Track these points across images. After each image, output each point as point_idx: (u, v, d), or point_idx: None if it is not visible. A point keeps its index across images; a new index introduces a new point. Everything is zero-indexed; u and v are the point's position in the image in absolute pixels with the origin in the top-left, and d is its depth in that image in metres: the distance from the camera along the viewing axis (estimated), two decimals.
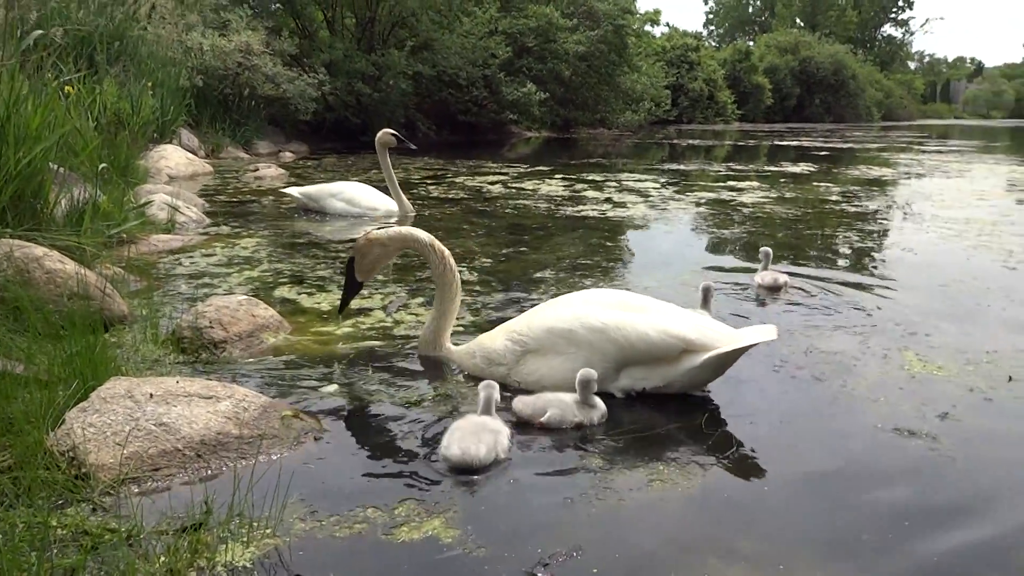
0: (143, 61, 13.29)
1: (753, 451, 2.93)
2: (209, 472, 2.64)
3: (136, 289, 4.89)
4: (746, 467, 2.81)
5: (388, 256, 3.95)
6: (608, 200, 10.12)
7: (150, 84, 12.36)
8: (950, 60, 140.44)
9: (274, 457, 2.77)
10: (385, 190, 8.60)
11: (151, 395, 2.85)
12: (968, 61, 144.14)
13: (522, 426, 3.02)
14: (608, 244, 7.19)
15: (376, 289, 5.16)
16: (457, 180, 12.10)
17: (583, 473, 2.70)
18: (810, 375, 3.72)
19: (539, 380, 3.38)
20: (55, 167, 5.44)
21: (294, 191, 8.55)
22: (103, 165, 5.67)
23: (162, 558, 2.14)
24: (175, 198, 7.77)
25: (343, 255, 6.30)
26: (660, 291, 5.29)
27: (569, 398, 3.10)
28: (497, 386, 3.00)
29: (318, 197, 8.37)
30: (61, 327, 3.83)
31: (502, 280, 5.60)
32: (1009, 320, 4.78)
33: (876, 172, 15.62)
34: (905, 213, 9.58)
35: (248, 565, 2.14)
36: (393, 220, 8.12)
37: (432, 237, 3.83)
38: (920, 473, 2.80)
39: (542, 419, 2.99)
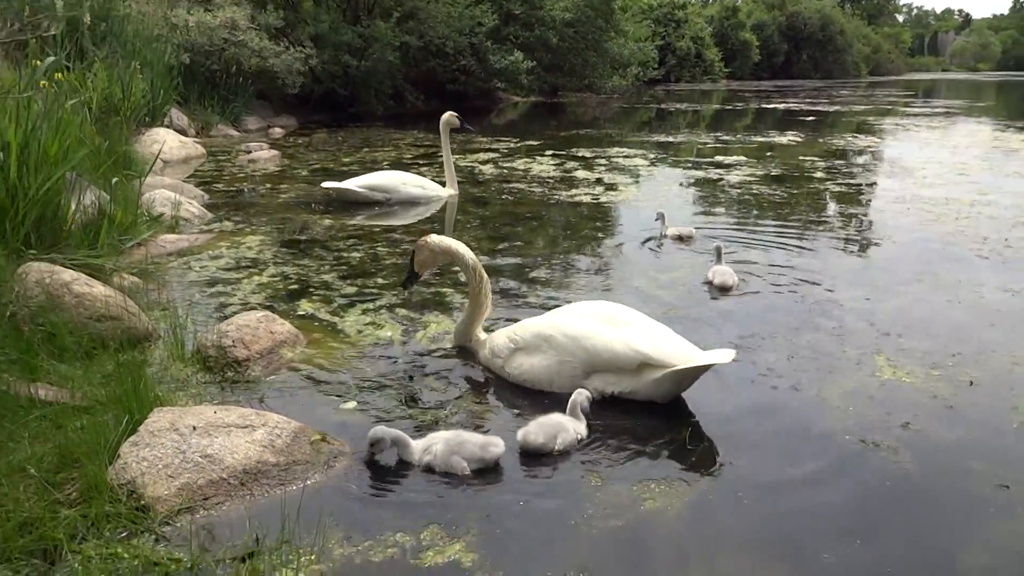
0: (129, 40, 13.30)
1: (733, 468, 3.27)
2: (252, 499, 2.96)
3: (154, 299, 5.16)
4: (727, 485, 3.15)
5: (435, 262, 4.57)
6: (599, 182, 10.36)
7: (139, 65, 12.40)
8: (938, 12, 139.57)
9: (308, 482, 3.08)
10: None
11: (194, 427, 3.16)
12: (956, 13, 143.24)
13: (530, 456, 3.33)
14: (600, 236, 7.48)
15: (386, 305, 5.43)
16: None
17: (583, 495, 3.04)
18: (790, 385, 4.06)
19: (523, 373, 4.01)
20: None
21: (352, 185, 8.58)
22: (115, 179, 5.87)
23: None
24: (176, 193, 7.99)
25: (343, 254, 6.56)
26: (648, 291, 5.61)
27: (566, 420, 3.42)
28: (586, 393, 3.53)
29: (390, 188, 8.63)
30: (92, 348, 4.13)
31: (497, 279, 5.89)
32: (975, 317, 5.13)
33: (861, 142, 15.88)
34: (887, 193, 9.88)
35: None
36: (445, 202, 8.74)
37: (474, 258, 4.38)
38: (881, 490, 3.14)
39: (557, 447, 3.31)
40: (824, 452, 3.42)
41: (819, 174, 11.34)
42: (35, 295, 4.18)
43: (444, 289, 5.65)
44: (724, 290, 5.65)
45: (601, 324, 3.89)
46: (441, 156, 9.22)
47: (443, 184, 9.13)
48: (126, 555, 2.60)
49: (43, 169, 4.70)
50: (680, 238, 7.10)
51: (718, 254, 6.03)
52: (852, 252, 6.90)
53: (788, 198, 9.41)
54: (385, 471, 3.22)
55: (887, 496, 3.10)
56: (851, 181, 10.79)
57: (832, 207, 9.05)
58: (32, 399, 3.42)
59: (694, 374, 3.74)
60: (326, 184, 8.74)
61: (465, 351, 4.47)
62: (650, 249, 6.91)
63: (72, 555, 2.58)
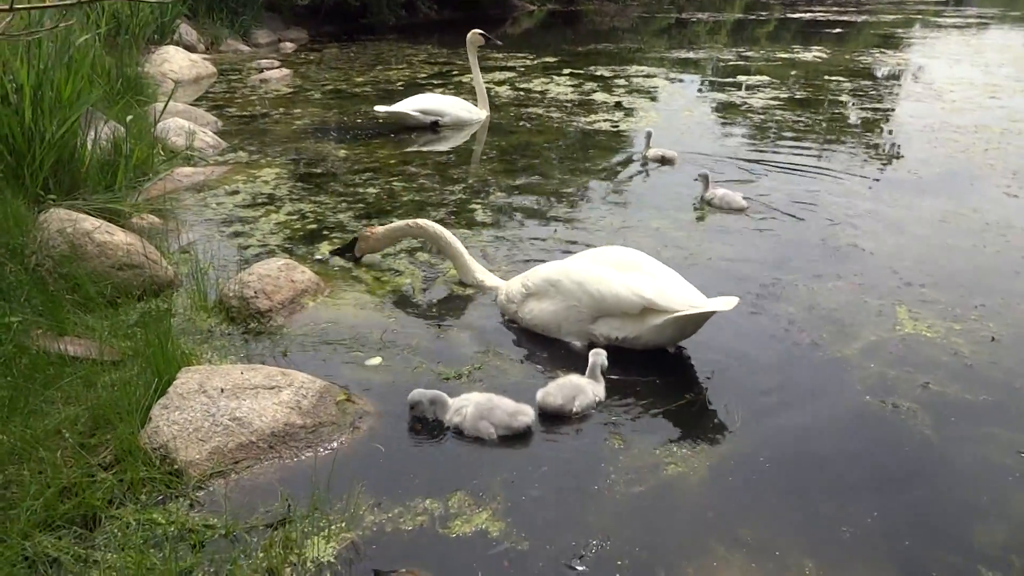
0: None
1: (754, 430, 3.31)
2: (281, 463, 3.03)
3: (174, 241, 5.16)
4: (748, 447, 3.19)
5: (379, 247, 4.96)
6: (618, 106, 10.12)
7: None
8: None
9: (335, 444, 3.15)
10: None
11: (222, 389, 3.21)
12: None
13: (549, 418, 3.37)
14: (619, 169, 7.35)
15: (405, 248, 5.42)
16: (464, 80, 12.00)
17: (606, 459, 3.09)
18: (810, 340, 4.05)
19: (534, 318, 4.09)
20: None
21: (407, 108, 8.66)
22: (130, 117, 5.77)
23: (260, 554, 2.55)
24: (189, 121, 7.88)
25: (359, 189, 6.50)
26: (668, 233, 5.56)
27: (583, 381, 3.45)
28: (604, 354, 3.54)
29: (441, 111, 8.78)
30: (116, 297, 4.17)
31: (516, 219, 5.84)
32: (1001, 265, 5.07)
33: (889, 59, 15.35)
34: (915, 120, 9.60)
35: (331, 560, 2.56)
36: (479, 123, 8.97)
37: (415, 223, 4.74)
38: (899, 455, 3.17)
39: (575, 409, 3.35)
40: (845, 414, 3.44)
41: (844, 97, 11.02)
42: (57, 244, 4.19)
43: (463, 231, 5.60)
44: (731, 210, 5.94)
45: (610, 269, 3.92)
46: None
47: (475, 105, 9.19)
48: (162, 521, 2.68)
49: (58, 112, 4.63)
50: (663, 160, 7.32)
51: (706, 182, 6.16)
52: (877, 189, 6.76)
53: (812, 125, 9.18)
54: (409, 432, 3.28)
55: (906, 462, 3.13)
56: (878, 106, 10.49)
57: (857, 136, 8.82)
58: (62, 356, 3.47)
59: (697, 320, 3.75)
60: (378, 108, 8.69)
61: (485, 295, 4.53)
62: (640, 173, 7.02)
63: (110, 521, 2.67)
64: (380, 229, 4.86)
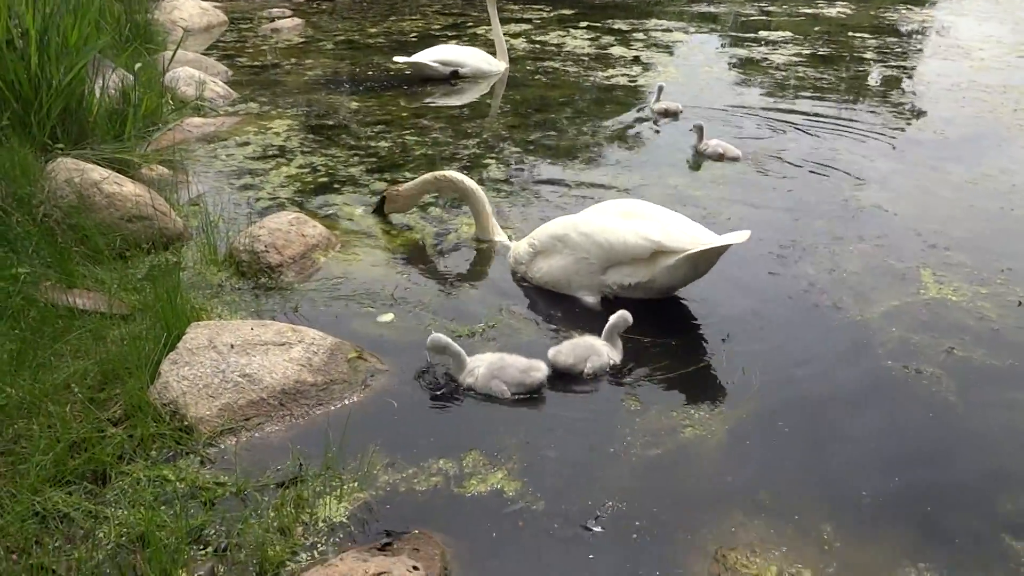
0: None
1: (772, 393, 3.24)
2: (292, 420, 2.99)
3: (184, 193, 5.09)
4: (766, 411, 3.13)
5: (402, 203, 4.79)
6: (636, 61, 9.88)
7: None
8: None
9: (347, 402, 3.11)
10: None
11: (231, 345, 3.16)
12: None
13: (562, 377, 3.31)
14: (636, 125, 7.18)
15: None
16: (479, 32, 11.74)
17: (622, 421, 3.03)
18: (831, 302, 3.96)
19: (544, 275, 4.03)
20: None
21: (427, 59, 8.50)
22: (138, 65, 5.65)
23: (271, 513, 2.52)
24: (200, 70, 7.75)
25: (370, 143, 6.38)
26: (685, 191, 5.43)
27: (599, 343, 3.37)
28: (623, 315, 3.40)
29: (462, 61, 8.62)
30: (125, 250, 4.11)
31: (530, 175, 5.73)
32: None
33: (915, 16, 14.90)
34: (941, 78, 9.33)
35: (344, 520, 2.53)
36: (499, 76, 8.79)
37: (447, 175, 4.57)
38: (922, 422, 3.11)
39: (586, 371, 3.28)
40: (866, 379, 3.37)
41: (868, 54, 10.71)
42: (65, 195, 4.12)
43: None
44: (723, 159, 6.03)
45: (616, 218, 3.89)
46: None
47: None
48: (172, 477, 2.66)
49: (65, 58, 4.52)
50: (666, 112, 7.26)
51: (700, 133, 6.21)
52: (902, 148, 6.57)
53: (835, 83, 8.94)
54: (422, 390, 3.23)
55: (929, 429, 3.07)
56: (903, 64, 10.20)
57: (881, 94, 8.59)
58: (71, 309, 3.43)
59: (709, 257, 3.70)
60: (398, 59, 8.52)
61: (498, 251, 4.46)
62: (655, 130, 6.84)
63: (120, 477, 2.64)
64: (406, 185, 4.70)
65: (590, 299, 3.91)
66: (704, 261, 3.72)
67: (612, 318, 3.41)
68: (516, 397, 3.15)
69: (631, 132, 6.96)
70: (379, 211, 4.84)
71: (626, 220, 3.85)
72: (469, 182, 4.55)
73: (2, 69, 4.34)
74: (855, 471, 2.82)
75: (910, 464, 2.86)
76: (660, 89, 7.48)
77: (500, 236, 4.56)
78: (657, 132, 6.94)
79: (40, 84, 4.44)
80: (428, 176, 4.65)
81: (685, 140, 6.65)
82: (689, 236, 3.67)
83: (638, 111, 7.51)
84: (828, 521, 2.58)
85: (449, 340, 3.21)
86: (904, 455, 2.92)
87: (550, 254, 4.00)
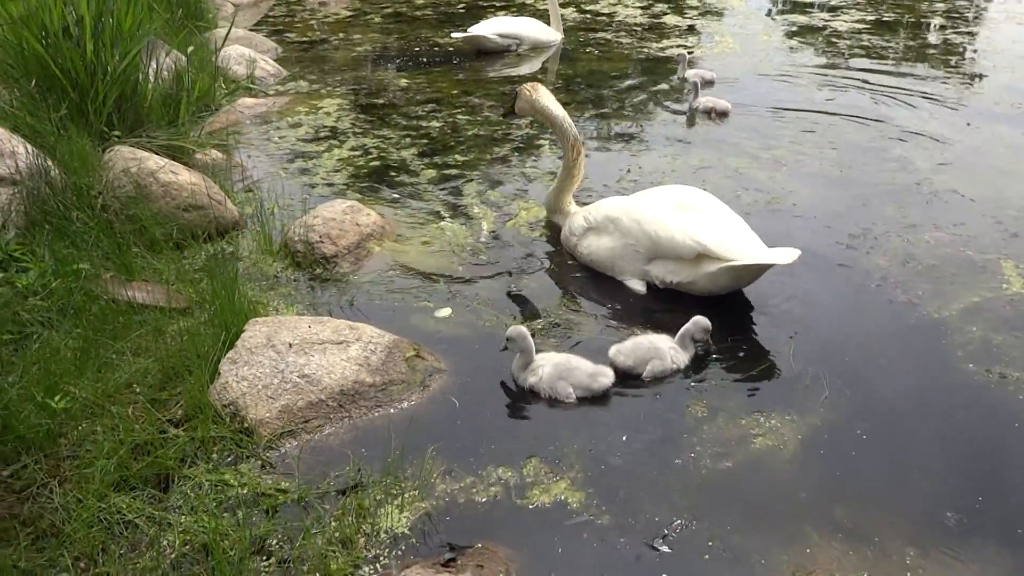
0: None
1: (846, 400, 3.09)
2: (351, 422, 2.95)
3: (238, 179, 5.07)
4: (840, 419, 2.99)
5: (533, 113, 4.45)
6: (691, 30, 9.56)
7: None
8: None
9: (406, 404, 3.05)
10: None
11: (290, 345, 3.12)
12: None
13: (625, 378, 3.20)
14: (720, 113, 6.93)
15: (472, 190, 5.23)
16: (528, 2, 11.48)
17: (689, 429, 2.93)
18: (906, 298, 3.77)
19: (591, 254, 4.01)
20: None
21: (486, 31, 8.36)
22: (191, 48, 5.62)
23: (333, 523, 2.49)
24: (250, 49, 7.72)
25: (422, 123, 6.28)
26: (748, 173, 5.23)
27: (664, 343, 3.25)
28: (701, 322, 3.27)
29: (520, 34, 8.49)
30: (182, 239, 4.10)
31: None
32: None
33: None
34: (1017, 46, 8.84)
35: (406, 531, 2.48)
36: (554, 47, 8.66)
37: (571, 123, 4.32)
38: (1007, 430, 2.93)
39: (645, 375, 3.17)
40: (946, 384, 3.20)
41: (937, 20, 10.21)
42: (123, 185, 4.12)
43: (529, 169, 5.38)
44: (719, 115, 6.26)
45: (671, 210, 3.79)
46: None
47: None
48: (234, 482, 2.64)
49: (119, 44, 4.50)
50: (704, 83, 6.84)
51: (683, 63, 7.05)
52: (977, 124, 6.21)
53: (902, 52, 8.53)
54: (482, 391, 3.17)
55: (1014, 440, 2.90)
56: (974, 31, 9.68)
57: (952, 64, 8.17)
58: (131, 304, 3.43)
59: (754, 271, 3.59)
60: (456, 35, 8.40)
61: (558, 240, 4.33)
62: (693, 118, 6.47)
63: (183, 481, 2.63)
64: (543, 103, 4.31)
65: (637, 286, 3.84)
66: (748, 275, 3.63)
67: (689, 323, 3.28)
68: (579, 401, 3.06)
69: (676, 112, 6.72)
70: (510, 112, 4.57)
71: (680, 213, 3.76)
72: (580, 142, 4.38)
73: (59, 58, 4.33)
74: (937, 488, 2.68)
75: (996, 480, 2.71)
76: (684, 59, 7.32)
77: (571, 207, 4.43)
78: (695, 110, 6.64)
79: (96, 71, 4.43)
80: (559, 114, 4.30)
81: (735, 116, 6.40)
82: (738, 246, 3.56)
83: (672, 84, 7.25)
84: (911, 544, 2.45)
85: (527, 334, 3.14)
86: (989, 470, 2.76)
87: (601, 233, 3.97)
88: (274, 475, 2.69)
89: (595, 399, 3.08)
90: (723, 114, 6.33)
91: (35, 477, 2.56)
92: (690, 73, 7.05)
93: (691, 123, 6.12)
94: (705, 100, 6.36)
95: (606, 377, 3.07)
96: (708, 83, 7.04)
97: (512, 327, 3.19)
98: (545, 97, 4.35)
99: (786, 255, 3.44)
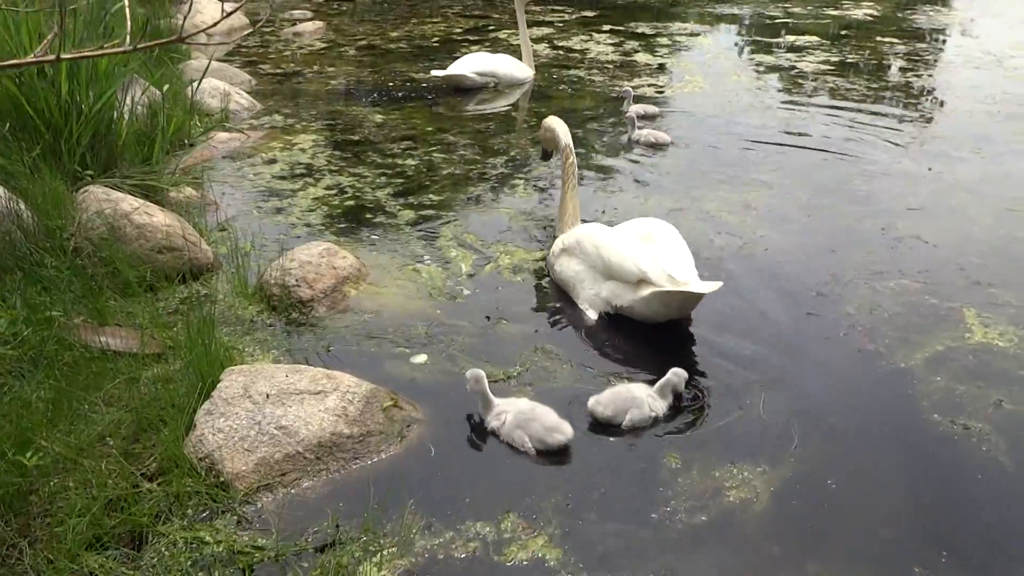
0: None
1: (815, 451, 3.15)
2: (329, 476, 2.95)
3: (211, 218, 5.05)
4: (810, 470, 3.05)
5: (547, 139, 5.04)
6: (662, 69, 9.76)
7: None
8: None
9: (383, 456, 3.06)
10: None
11: (267, 395, 3.11)
12: None
13: (601, 427, 3.25)
14: (659, 145, 7.07)
15: (448, 232, 5.27)
16: (501, 36, 11.64)
17: (664, 482, 2.97)
18: (872, 347, 3.86)
19: (562, 273, 4.32)
20: None
21: (465, 70, 8.47)
22: (166, 86, 5.61)
23: None
24: (224, 81, 7.71)
25: (397, 161, 6.32)
26: (720, 217, 5.33)
27: (642, 392, 3.30)
28: (679, 373, 3.36)
29: (497, 73, 8.65)
30: (155, 282, 4.07)
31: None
32: None
33: (944, 18, 14.65)
34: (974, 91, 9.15)
35: None
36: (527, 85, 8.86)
37: (568, 136, 4.80)
38: (973, 488, 3.01)
39: (624, 425, 3.21)
40: (912, 435, 3.28)
41: (900, 63, 10.53)
42: (96, 227, 4.09)
43: (504, 209, 5.43)
44: (659, 146, 6.71)
45: (633, 240, 4.08)
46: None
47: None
48: (209, 539, 2.62)
49: (95, 84, 4.48)
50: (644, 116, 7.43)
51: (628, 99, 7.44)
52: (939, 169, 6.39)
53: (868, 94, 8.77)
54: (459, 441, 3.19)
55: (979, 491, 2.98)
56: (934, 73, 10.00)
57: (915, 109, 8.42)
58: (104, 351, 3.40)
59: (682, 300, 3.81)
60: (436, 72, 8.52)
61: (536, 284, 4.48)
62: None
63: (157, 538, 2.60)
64: (557, 128, 4.85)
65: (591, 314, 4.06)
66: (676, 303, 3.85)
67: (670, 373, 3.35)
68: (537, 452, 3.08)
69: (646, 151, 6.85)
70: (546, 155, 5.21)
71: (641, 243, 4.04)
72: (575, 168, 4.72)
73: (33, 98, 4.30)
74: (907, 539, 2.75)
75: (960, 532, 2.79)
76: (630, 94, 7.62)
77: (566, 227, 4.65)
78: (688, 151, 6.80)
79: (70, 111, 4.41)
80: (567, 141, 4.76)
81: (705, 157, 6.55)
82: (667, 274, 3.80)
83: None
84: None
85: (482, 377, 3.20)
86: (953, 522, 2.84)
87: (571, 255, 4.26)
88: (250, 531, 2.67)
89: (567, 451, 3.11)
90: (663, 146, 6.74)
91: (4, 537, 2.51)
92: (634, 108, 7.44)
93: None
94: (645, 133, 6.80)
95: (562, 434, 3.08)
96: (650, 117, 7.47)
97: (470, 370, 3.26)
98: (552, 119, 4.94)
99: (709, 286, 3.70)
